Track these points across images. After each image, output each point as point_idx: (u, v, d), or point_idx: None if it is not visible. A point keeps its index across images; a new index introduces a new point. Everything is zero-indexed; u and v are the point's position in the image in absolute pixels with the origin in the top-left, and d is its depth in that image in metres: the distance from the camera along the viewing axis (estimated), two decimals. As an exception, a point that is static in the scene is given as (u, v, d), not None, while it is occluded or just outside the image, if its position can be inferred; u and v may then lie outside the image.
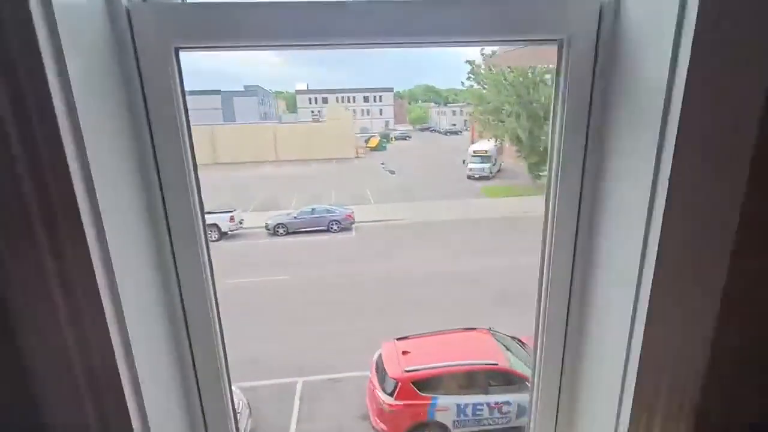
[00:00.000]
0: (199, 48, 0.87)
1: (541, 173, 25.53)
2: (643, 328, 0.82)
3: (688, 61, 0.68)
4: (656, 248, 0.77)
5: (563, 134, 0.93)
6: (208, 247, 0.96)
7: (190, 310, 0.95)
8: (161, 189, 0.88)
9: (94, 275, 0.67)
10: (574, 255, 1.00)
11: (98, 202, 0.68)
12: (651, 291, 0.79)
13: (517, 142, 24.99)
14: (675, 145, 0.72)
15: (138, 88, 0.82)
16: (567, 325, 1.05)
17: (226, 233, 18.38)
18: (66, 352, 0.70)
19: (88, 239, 0.66)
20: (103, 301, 0.69)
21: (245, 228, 19.36)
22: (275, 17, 0.82)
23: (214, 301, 0.99)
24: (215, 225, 18.24)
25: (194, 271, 0.93)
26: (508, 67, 23.18)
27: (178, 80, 0.86)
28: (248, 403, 7.07)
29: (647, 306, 0.80)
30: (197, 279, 0.94)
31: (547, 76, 23.33)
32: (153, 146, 0.86)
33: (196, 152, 0.92)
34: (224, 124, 51.62)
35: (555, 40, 0.89)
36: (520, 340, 7.73)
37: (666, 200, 0.74)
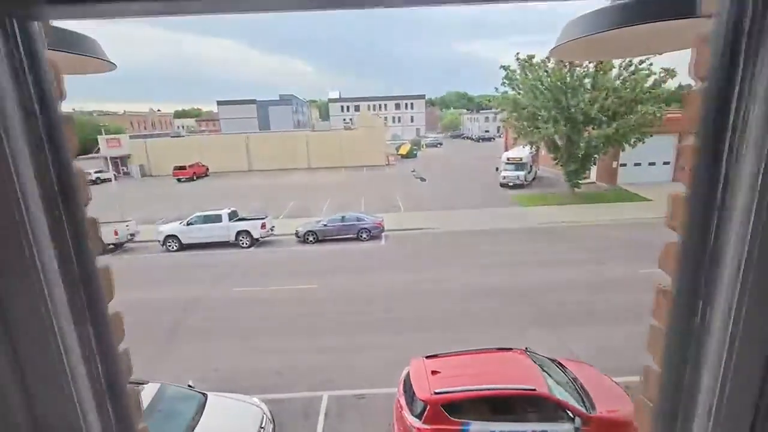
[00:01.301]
0: (64, 14, 0.59)
1: (579, 181, 24.45)
2: None
3: None
4: None
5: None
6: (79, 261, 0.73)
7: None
8: None
9: None
10: None
11: None
12: None
13: (553, 149, 24.09)
14: None
15: None
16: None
17: (257, 240, 18.65)
18: None
19: None
20: None
21: (276, 235, 19.56)
22: None
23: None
24: (247, 232, 18.57)
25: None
26: (545, 71, 22.43)
27: (20, 63, 0.59)
28: (272, 418, 6.92)
29: None
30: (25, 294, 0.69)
31: (587, 80, 22.36)
32: None
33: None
34: (259, 133, 53.07)
35: None
36: (559, 363, 7.17)
37: None
